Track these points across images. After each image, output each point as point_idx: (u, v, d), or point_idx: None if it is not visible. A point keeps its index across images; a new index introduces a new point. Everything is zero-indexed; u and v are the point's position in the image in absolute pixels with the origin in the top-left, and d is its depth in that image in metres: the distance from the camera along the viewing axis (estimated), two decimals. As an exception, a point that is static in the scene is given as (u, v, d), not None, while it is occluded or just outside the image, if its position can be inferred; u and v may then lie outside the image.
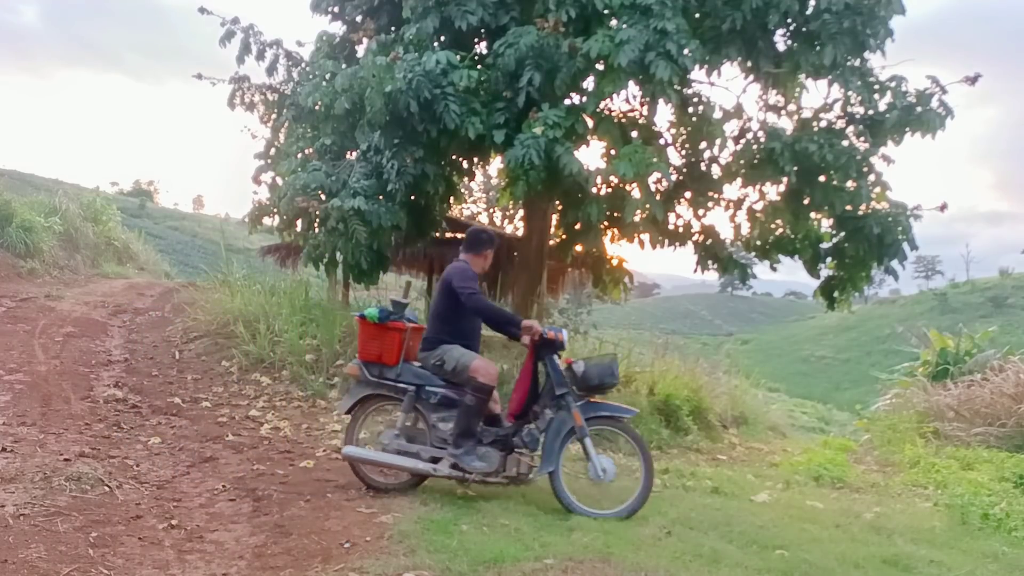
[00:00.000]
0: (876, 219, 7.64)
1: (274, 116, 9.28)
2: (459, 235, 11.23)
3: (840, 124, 7.76)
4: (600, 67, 6.99)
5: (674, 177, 8.28)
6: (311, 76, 8.30)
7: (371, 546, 3.84)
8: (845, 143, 7.43)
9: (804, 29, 7.38)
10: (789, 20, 7.38)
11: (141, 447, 5.51)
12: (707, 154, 8.46)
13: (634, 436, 4.98)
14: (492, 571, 3.57)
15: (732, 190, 8.60)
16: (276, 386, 7.68)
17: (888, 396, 12.08)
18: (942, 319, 42.13)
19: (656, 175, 7.30)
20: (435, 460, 4.77)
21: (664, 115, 10.71)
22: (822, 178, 7.71)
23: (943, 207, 7.78)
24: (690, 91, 7.94)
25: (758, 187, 8.36)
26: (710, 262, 9.01)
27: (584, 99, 7.29)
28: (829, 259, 8.58)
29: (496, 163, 8.78)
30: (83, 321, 9.81)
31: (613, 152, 7.49)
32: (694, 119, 8.01)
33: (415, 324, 5.05)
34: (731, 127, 8.12)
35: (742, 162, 8.11)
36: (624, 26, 6.62)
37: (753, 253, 8.98)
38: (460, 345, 4.87)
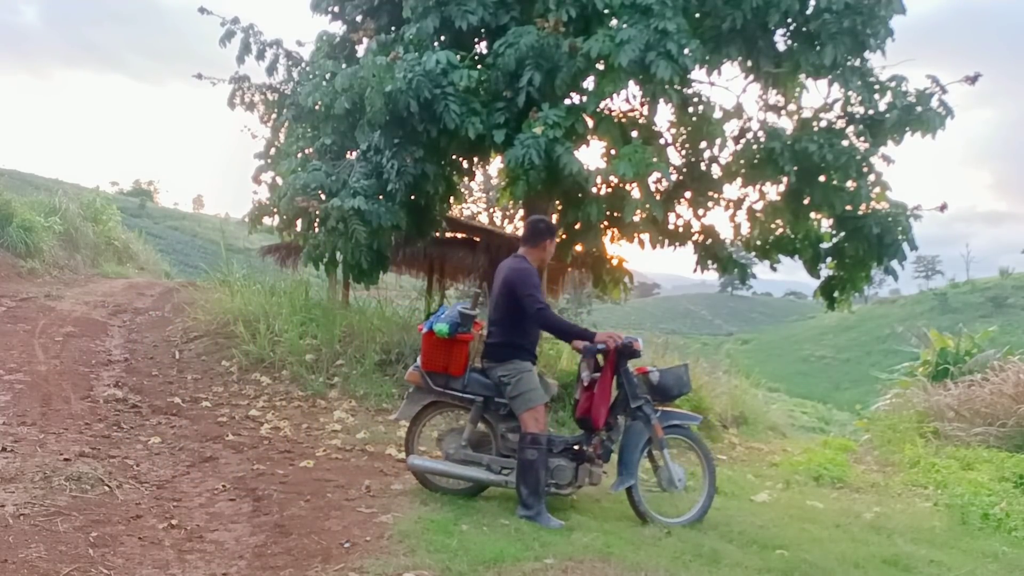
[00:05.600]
0: (876, 219, 7.64)
1: (274, 116, 9.28)
2: (459, 235, 11.23)
3: (840, 124, 7.75)
4: (600, 67, 6.98)
5: (674, 177, 8.28)
6: (311, 76, 8.30)
7: (371, 546, 3.84)
8: (845, 143, 7.42)
9: (804, 29, 7.37)
10: (789, 20, 7.37)
11: (141, 447, 5.51)
12: (707, 154, 8.45)
13: (699, 443, 4.99)
14: (492, 571, 3.57)
15: (732, 190, 8.60)
16: (276, 386, 7.68)
17: (888, 396, 12.06)
18: (942, 319, 42.18)
19: (656, 175, 7.31)
20: (505, 469, 4.64)
21: (664, 115, 10.73)
22: (822, 178, 7.71)
23: (943, 207, 7.78)
24: (690, 91, 7.93)
25: (758, 187, 8.36)
26: (710, 262, 9.00)
27: (584, 99, 7.29)
28: (829, 259, 8.57)
29: (496, 163, 8.78)
30: (83, 321, 9.82)
31: (613, 152, 7.49)
32: (694, 119, 8.00)
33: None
34: (731, 127, 8.12)
35: (742, 162, 8.11)
36: (624, 26, 6.61)
37: (753, 253, 8.97)
38: (529, 361, 4.64)
